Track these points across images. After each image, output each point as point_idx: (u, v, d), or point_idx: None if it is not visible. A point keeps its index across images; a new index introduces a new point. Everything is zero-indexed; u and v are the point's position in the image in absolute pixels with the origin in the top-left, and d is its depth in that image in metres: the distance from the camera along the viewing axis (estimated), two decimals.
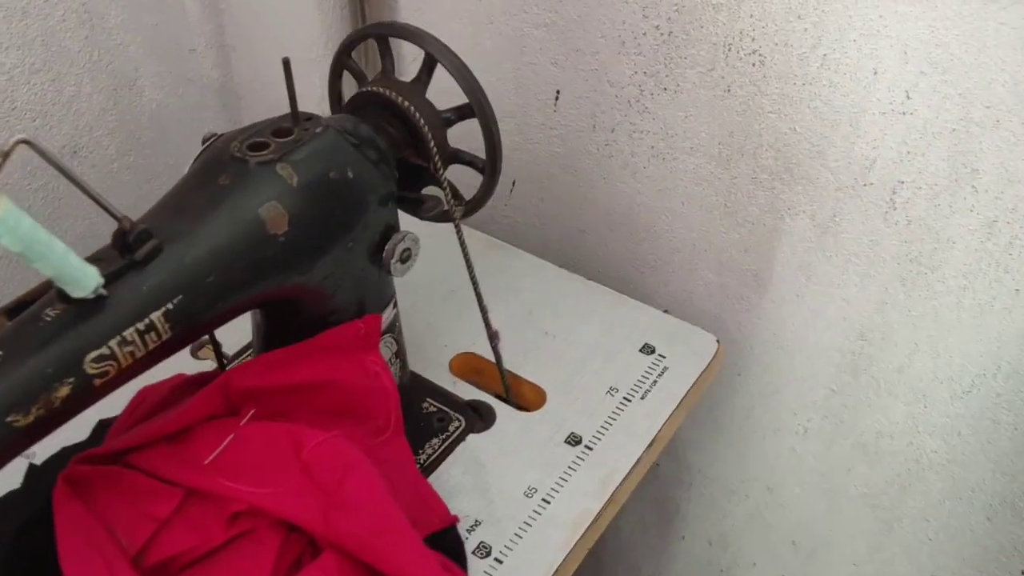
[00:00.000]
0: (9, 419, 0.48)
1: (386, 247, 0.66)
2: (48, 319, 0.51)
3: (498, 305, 0.90)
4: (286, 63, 0.59)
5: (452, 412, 0.80)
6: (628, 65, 0.89)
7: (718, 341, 0.88)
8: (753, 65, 0.80)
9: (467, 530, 0.70)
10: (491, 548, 0.69)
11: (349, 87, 0.76)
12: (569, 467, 0.75)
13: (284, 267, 0.60)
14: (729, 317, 0.99)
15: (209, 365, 0.78)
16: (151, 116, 1.10)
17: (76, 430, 0.69)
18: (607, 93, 0.93)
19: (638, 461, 0.76)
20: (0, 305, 0.54)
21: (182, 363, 0.75)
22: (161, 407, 0.64)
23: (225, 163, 0.59)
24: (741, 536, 1.17)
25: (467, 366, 0.86)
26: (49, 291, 0.53)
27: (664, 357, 0.85)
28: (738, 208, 0.90)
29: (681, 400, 0.81)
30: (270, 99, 1.17)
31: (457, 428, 0.79)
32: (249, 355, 0.84)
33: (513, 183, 1.09)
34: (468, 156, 0.72)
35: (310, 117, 0.64)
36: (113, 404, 0.67)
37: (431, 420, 0.79)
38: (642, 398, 0.81)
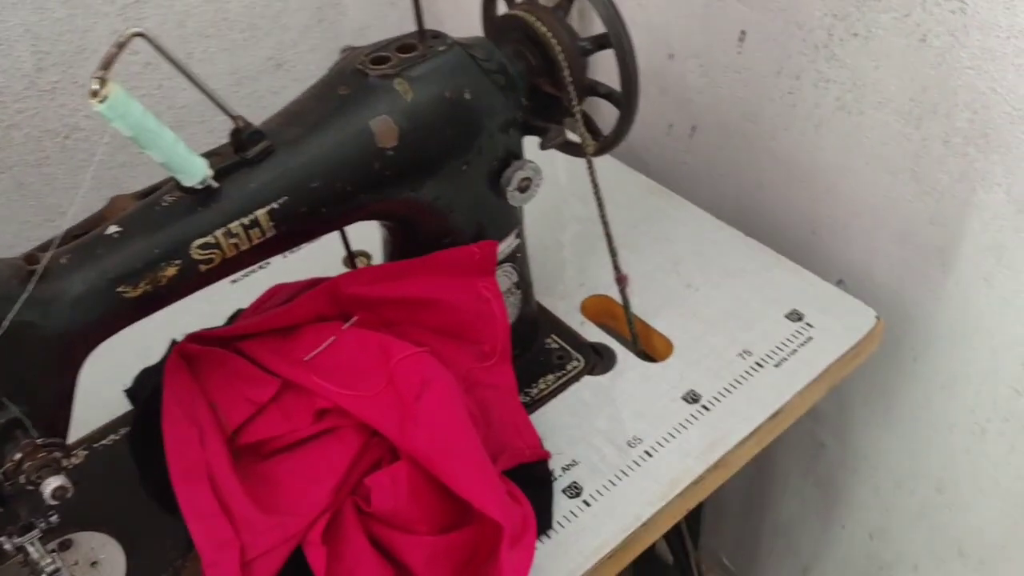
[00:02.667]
0: (119, 289, 0.53)
1: (504, 173, 0.65)
2: (164, 204, 0.55)
3: (646, 251, 0.87)
4: None
5: (573, 351, 0.79)
6: (818, 5, 0.82)
7: (878, 317, 0.79)
8: (953, 12, 0.70)
9: (562, 468, 0.69)
10: (582, 489, 0.68)
11: None
12: (680, 424, 0.72)
13: (391, 182, 0.61)
14: (908, 295, 0.89)
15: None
16: (352, 36, 1.15)
17: (217, 317, 0.76)
18: (794, 36, 0.86)
19: (756, 430, 0.71)
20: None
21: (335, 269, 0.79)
22: (284, 304, 0.68)
23: (347, 75, 0.61)
24: (904, 534, 1.08)
25: (600, 308, 0.84)
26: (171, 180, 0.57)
27: (811, 326, 0.79)
28: (926, 174, 0.80)
29: (820, 374, 0.75)
30: (469, 23, 1.19)
31: (575, 368, 0.77)
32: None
33: (693, 128, 1.04)
34: (604, 88, 0.69)
35: (437, 35, 0.64)
36: (252, 294, 0.73)
37: (551, 356, 0.79)
38: (776, 365, 0.76)
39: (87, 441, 0.74)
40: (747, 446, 0.71)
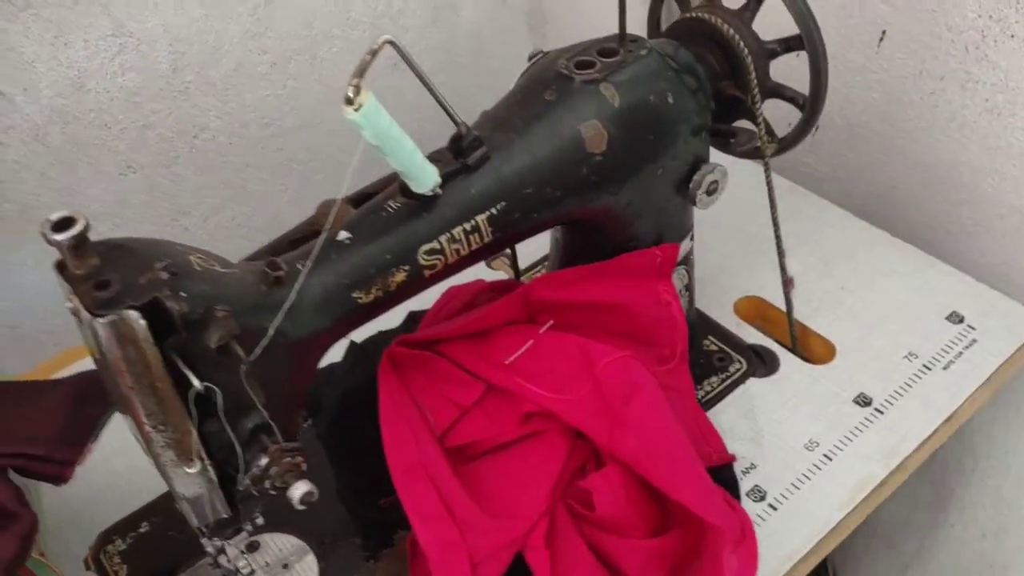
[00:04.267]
0: (353, 295, 0.54)
1: (694, 177, 0.65)
2: (390, 210, 0.56)
3: (793, 253, 0.86)
4: None
5: (734, 353, 0.79)
6: (972, 7, 0.81)
7: None
8: None
9: (742, 471, 0.70)
10: (766, 493, 0.68)
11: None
12: (856, 428, 0.72)
13: (596, 186, 0.61)
14: None
15: (495, 275, 0.82)
16: (467, 36, 1.16)
17: (390, 318, 0.76)
18: (942, 37, 0.85)
19: (934, 433, 0.71)
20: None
21: (477, 271, 0.79)
22: (465, 308, 0.68)
23: (550, 79, 0.61)
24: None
25: (752, 310, 0.84)
26: (390, 185, 0.57)
27: (974, 328, 0.78)
28: None
29: (988, 377, 0.75)
30: (577, 23, 1.19)
31: (738, 370, 0.77)
32: (539, 270, 0.87)
33: (816, 128, 1.03)
34: (790, 92, 0.69)
35: (635, 39, 0.64)
36: (423, 299, 0.73)
37: (711, 358, 0.79)
38: (944, 368, 0.75)
39: None
40: (924, 449, 0.71)
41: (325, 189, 1.13)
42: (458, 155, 0.57)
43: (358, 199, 0.59)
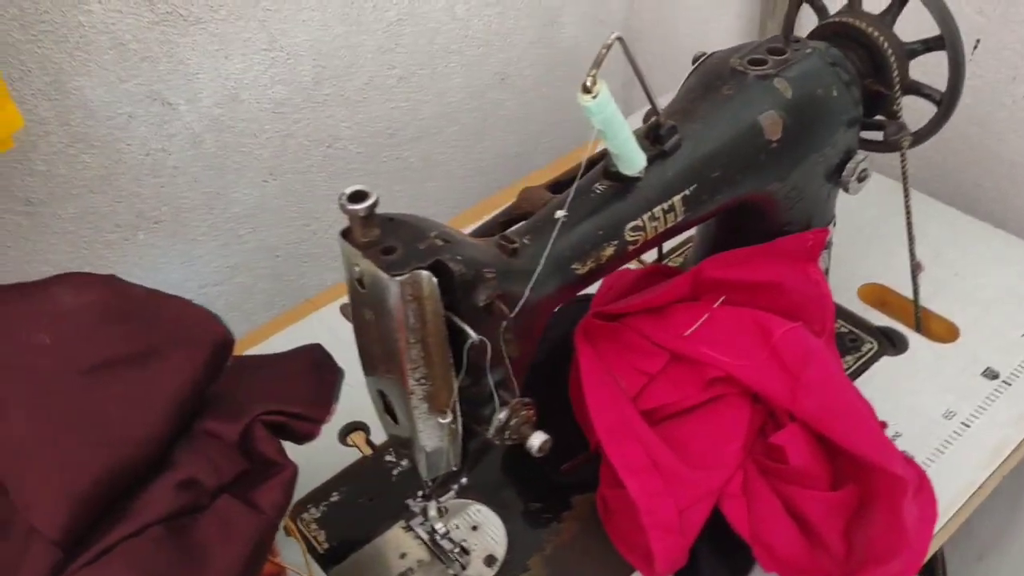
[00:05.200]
0: (573, 267, 0.60)
1: (847, 165, 0.72)
2: (598, 191, 0.62)
3: (904, 243, 0.93)
4: None
5: (863, 334, 0.85)
6: None
7: None
8: None
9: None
10: (913, 457, 0.73)
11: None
12: (987, 398, 0.77)
13: (769, 172, 0.67)
14: None
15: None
16: (566, 52, 1.23)
17: None
18: None
19: None
20: None
21: None
22: (632, 287, 0.74)
23: (726, 75, 0.68)
24: None
25: (873, 296, 0.90)
26: (590, 170, 0.63)
27: None
28: None
29: None
30: (668, 39, 1.26)
31: (870, 350, 0.83)
32: (676, 257, 0.92)
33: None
34: (927, 89, 0.76)
35: (798, 40, 0.70)
36: None
37: (843, 340, 0.84)
38: None
39: None
40: None
41: (437, 196, 1.20)
42: (655, 141, 0.63)
43: (554, 186, 0.66)
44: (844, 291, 0.89)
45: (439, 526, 0.69)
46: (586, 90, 0.55)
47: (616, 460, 0.62)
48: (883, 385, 0.80)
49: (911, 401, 0.78)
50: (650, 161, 0.62)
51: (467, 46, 1.11)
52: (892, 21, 0.75)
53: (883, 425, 0.74)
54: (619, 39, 0.58)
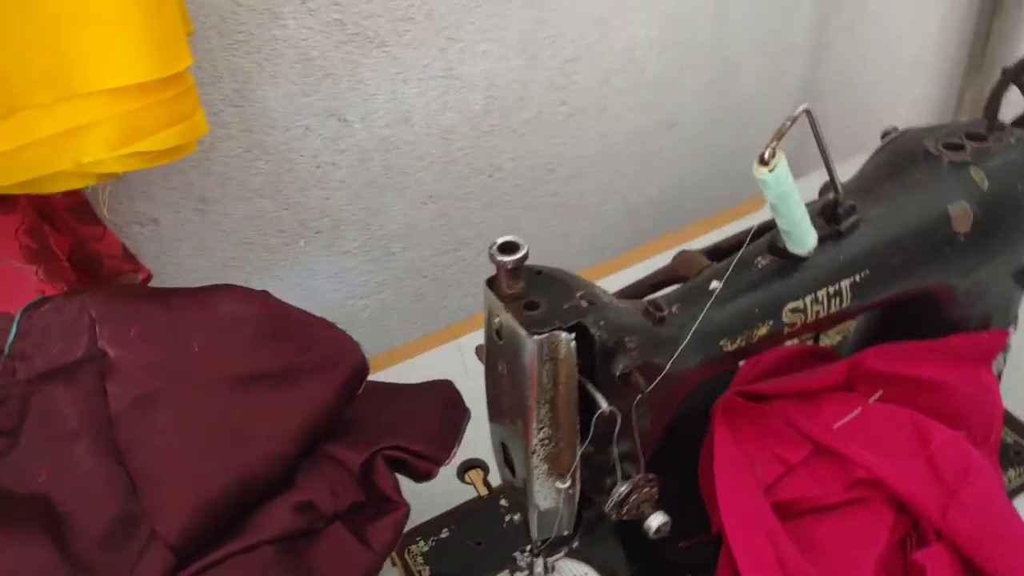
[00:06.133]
0: (720, 342, 0.56)
1: None
2: (760, 266, 0.58)
3: None
4: (1005, 71, 0.61)
5: None
6: None
7: None
8: None
9: None
10: None
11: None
12: None
13: (953, 266, 0.62)
14: None
15: None
16: (740, 103, 1.19)
17: None
18: None
19: None
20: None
21: None
22: (781, 367, 0.70)
23: (918, 157, 0.63)
24: None
25: None
26: (755, 241, 0.60)
27: None
28: None
29: None
30: (853, 101, 1.20)
31: None
32: (836, 333, 0.87)
33: None
34: None
35: (1003, 127, 0.65)
36: None
37: (1008, 451, 0.77)
38: None
39: None
40: None
41: (585, 235, 1.18)
42: (831, 220, 0.59)
43: (713, 252, 0.63)
44: (1018, 398, 0.81)
45: None
46: (763, 162, 0.52)
47: (739, 553, 0.58)
48: None
49: None
50: (822, 240, 0.59)
51: (642, 89, 1.10)
52: None
53: None
54: (807, 112, 0.55)
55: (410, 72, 0.94)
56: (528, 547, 0.65)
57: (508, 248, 0.49)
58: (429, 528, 0.75)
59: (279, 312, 0.58)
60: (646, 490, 0.54)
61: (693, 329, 0.53)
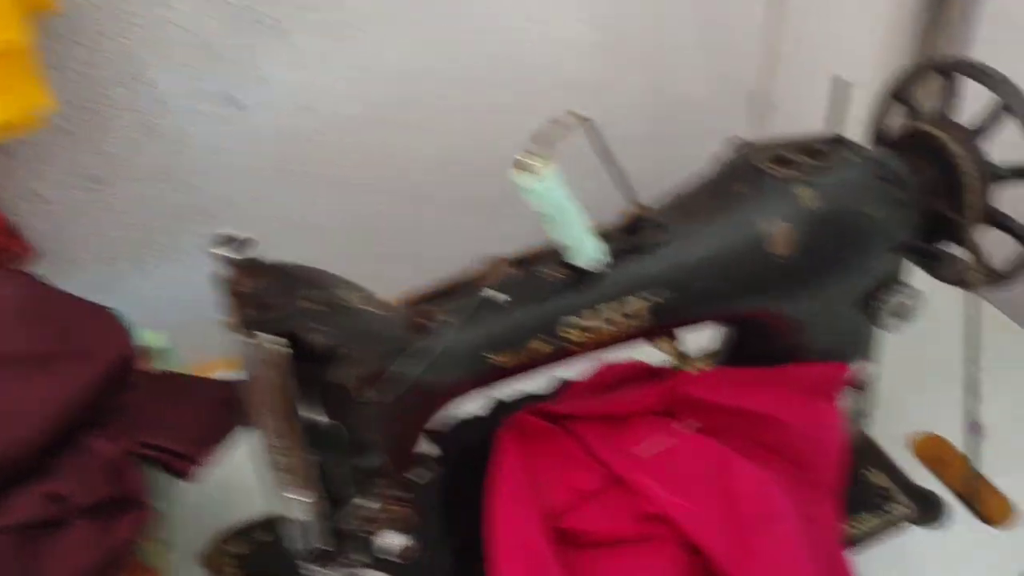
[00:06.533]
0: (490, 356, 0.53)
1: (882, 297, 0.60)
2: (545, 277, 0.55)
3: (991, 396, 0.78)
4: (839, 83, 0.56)
5: (898, 491, 0.72)
6: None
7: None
8: None
9: None
10: None
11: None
12: None
13: (773, 291, 0.58)
14: None
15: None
16: (679, 106, 1.14)
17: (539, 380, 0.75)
18: None
19: None
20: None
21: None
22: (617, 386, 0.66)
23: (745, 172, 0.59)
24: None
25: (929, 450, 0.76)
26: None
27: None
28: None
29: None
30: (804, 114, 1.14)
31: (899, 512, 0.70)
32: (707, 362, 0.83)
33: None
34: (1012, 223, 0.63)
35: (846, 143, 0.60)
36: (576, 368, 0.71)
37: (871, 492, 0.72)
38: None
39: None
40: None
41: (506, 232, 1.14)
42: (632, 234, 0.55)
43: (521, 260, 0.59)
44: (894, 438, 0.76)
45: None
46: (524, 168, 0.49)
47: None
48: (898, 560, 0.67)
49: None
50: (619, 255, 0.55)
51: (564, 89, 1.06)
52: (983, 139, 0.62)
53: None
54: (575, 115, 0.51)
55: (310, 59, 0.92)
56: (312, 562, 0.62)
57: (233, 242, 0.47)
58: (245, 530, 0.72)
59: (42, 295, 0.56)
60: (395, 508, 0.51)
61: (443, 342, 0.50)
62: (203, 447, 0.56)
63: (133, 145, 0.90)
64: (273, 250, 1.03)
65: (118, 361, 0.56)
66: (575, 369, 0.71)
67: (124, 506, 0.54)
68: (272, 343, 0.45)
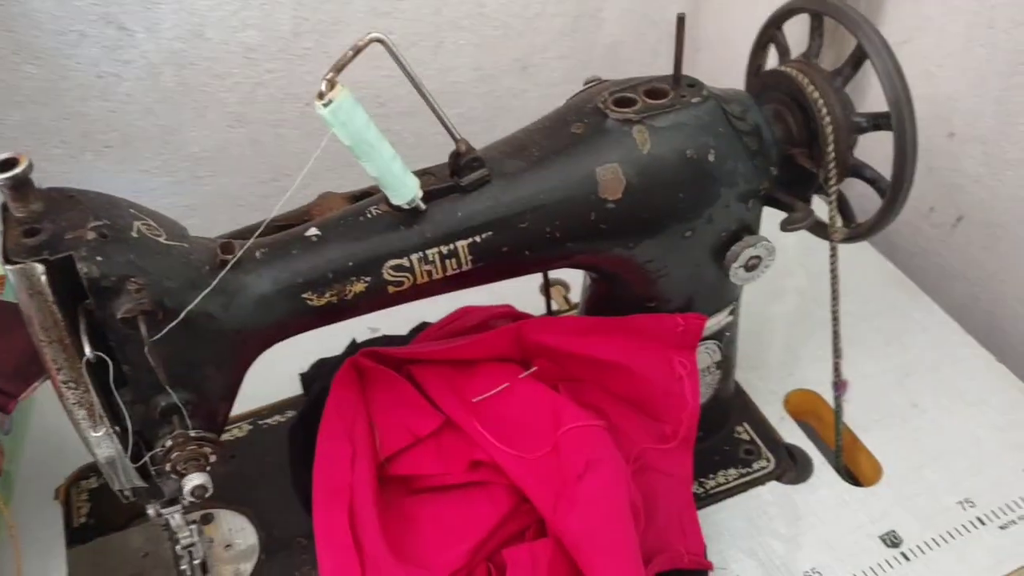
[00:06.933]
0: (304, 295, 0.51)
1: (731, 248, 0.58)
2: (368, 217, 0.53)
3: (873, 352, 0.77)
4: (680, 19, 0.53)
5: (764, 448, 0.70)
6: None
7: None
8: None
9: None
10: None
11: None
12: (872, 569, 0.62)
13: (605, 235, 0.55)
14: None
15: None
16: (604, 49, 1.10)
17: (400, 322, 0.73)
18: None
19: None
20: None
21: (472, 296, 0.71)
22: (474, 330, 0.64)
23: (585, 112, 0.56)
24: None
25: (805, 406, 0.75)
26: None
27: None
28: None
29: None
30: (728, 58, 1.11)
31: (763, 468, 0.69)
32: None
33: (958, 219, 0.91)
34: (871, 173, 0.60)
35: (694, 83, 0.57)
36: (439, 311, 0.69)
37: (738, 448, 0.71)
38: (1002, 527, 0.64)
39: (253, 416, 0.74)
40: None
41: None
42: (454, 173, 0.53)
43: (359, 198, 0.57)
44: (768, 393, 0.75)
45: (184, 534, 0.64)
46: (320, 95, 0.46)
47: (319, 527, 0.53)
48: (756, 516, 0.66)
49: (777, 546, 0.64)
50: (438, 195, 0.53)
51: (480, 25, 1.02)
52: (843, 84, 0.59)
53: (708, 567, 0.61)
54: (380, 40, 0.49)
55: None
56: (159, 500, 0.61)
57: (6, 165, 0.44)
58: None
59: None
60: (193, 447, 0.50)
61: (220, 276, 0.48)
62: (23, 380, 0.54)
63: (8, 66, 0.86)
64: (192, 180, 1.00)
65: None
66: (434, 311, 0.70)
67: None
68: (31, 270, 0.43)
